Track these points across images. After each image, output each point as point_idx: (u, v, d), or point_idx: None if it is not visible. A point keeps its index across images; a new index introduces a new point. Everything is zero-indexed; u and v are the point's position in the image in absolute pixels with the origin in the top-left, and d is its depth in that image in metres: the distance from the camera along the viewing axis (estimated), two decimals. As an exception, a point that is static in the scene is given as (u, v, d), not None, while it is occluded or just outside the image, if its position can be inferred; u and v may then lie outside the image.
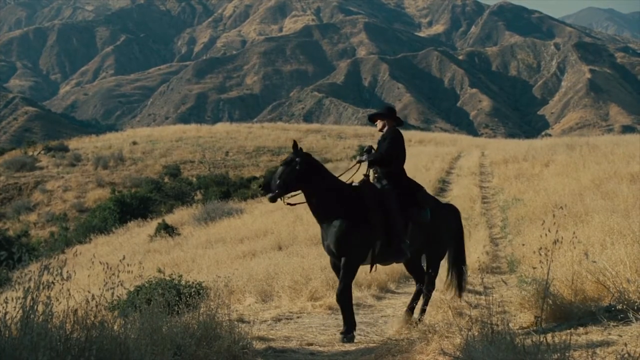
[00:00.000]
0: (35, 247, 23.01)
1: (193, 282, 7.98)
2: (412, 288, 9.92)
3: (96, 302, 2.88)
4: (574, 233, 3.61)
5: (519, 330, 4.19)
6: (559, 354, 2.07)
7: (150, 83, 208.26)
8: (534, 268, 4.87)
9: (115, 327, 2.83)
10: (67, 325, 2.72)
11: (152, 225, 22.50)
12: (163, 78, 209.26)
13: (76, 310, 2.80)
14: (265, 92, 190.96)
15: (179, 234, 20.71)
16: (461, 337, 3.47)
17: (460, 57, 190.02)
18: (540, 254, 3.22)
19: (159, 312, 3.97)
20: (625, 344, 2.27)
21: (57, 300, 2.74)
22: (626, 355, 1.87)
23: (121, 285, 3.58)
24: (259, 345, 5.15)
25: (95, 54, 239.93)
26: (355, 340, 5.68)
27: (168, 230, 20.73)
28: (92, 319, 2.77)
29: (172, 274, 8.21)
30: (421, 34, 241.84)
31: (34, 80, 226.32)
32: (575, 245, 5.51)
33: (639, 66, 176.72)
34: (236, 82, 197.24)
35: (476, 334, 3.24)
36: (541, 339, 2.31)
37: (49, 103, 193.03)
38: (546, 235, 3.94)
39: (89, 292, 3.05)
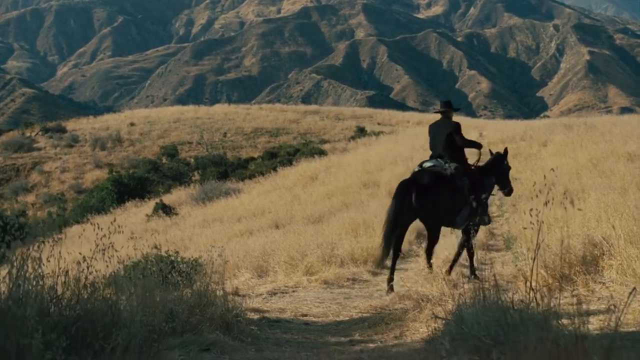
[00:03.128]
0: (33, 228, 23.03)
1: (189, 259, 8.01)
2: (407, 264, 9.97)
3: (87, 263, 2.89)
4: (564, 193, 3.62)
5: (511, 297, 4.22)
6: (545, 308, 2.09)
7: (148, 65, 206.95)
8: (524, 228, 4.89)
9: (107, 290, 2.84)
10: (57, 286, 2.73)
11: (150, 205, 22.51)
12: (161, 60, 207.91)
13: (67, 271, 2.81)
14: (263, 74, 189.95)
15: (176, 214, 20.74)
16: (453, 302, 3.49)
17: (459, 39, 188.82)
18: (531, 215, 3.23)
19: (152, 280, 3.99)
20: (612, 296, 2.29)
21: (48, 260, 2.74)
22: (612, 306, 1.89)
23: (112, 247, 3.58)
24: (253, 316, 5.18)
25: (92, 35, 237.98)
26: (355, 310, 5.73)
27: (165, 210, 20.75)
28: (84, 280, 2.77)
29: (168, 250, 8.23)
30: (420, 16, 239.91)
31: (32, 61, 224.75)
32: (565, 205, 5.55)
33: (638, 48, 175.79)
34: (234, 64, 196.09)
35: (468, 300, 3.26)
36: (529, 297, 2.33)
37: (46, 84, 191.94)
38: (537, 196, 3.95)
39: (80, 253, 3.06)
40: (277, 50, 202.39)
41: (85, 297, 2.68)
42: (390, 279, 6.60)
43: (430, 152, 7.10)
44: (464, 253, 7.08)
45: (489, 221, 7.10)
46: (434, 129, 7.01)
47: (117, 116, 50.44)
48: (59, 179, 34.68)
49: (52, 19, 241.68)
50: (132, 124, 44.19)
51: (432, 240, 6.56)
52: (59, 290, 2.72)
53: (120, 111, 64.30)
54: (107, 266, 3.16)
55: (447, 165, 6.65)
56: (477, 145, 7.21)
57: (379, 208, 14.64)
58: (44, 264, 2.74)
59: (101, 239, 3.10)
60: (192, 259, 8.13)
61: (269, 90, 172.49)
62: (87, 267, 2.82)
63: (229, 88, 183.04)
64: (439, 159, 6.80)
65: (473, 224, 6.58)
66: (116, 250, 3.34)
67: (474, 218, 6.62)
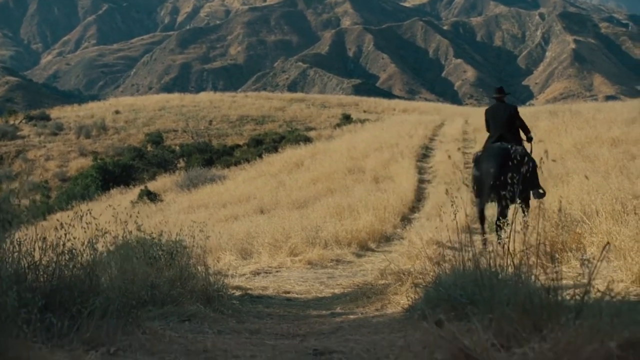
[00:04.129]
0: (17, 215, 22.79)
1: (174, 240, 7.98)
2: (391, 247, 10.04)
3: (65, 230, 2.86)
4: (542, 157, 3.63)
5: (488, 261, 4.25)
6: (517, 270, 2.11)
7: (133, 53, 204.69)
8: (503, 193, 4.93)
9: (85, 256, 2.82)
10: (35, 252, 2.70)
11: (135, 192, 22.37)
12: (146, 48, 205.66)
13: (45, 237, 2.78)
14: (249, 63, 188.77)
15: (161, 200, 20.65)
16: (434, 273, 3.51)
17: (445, 28, 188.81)
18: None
19: (133, 251, 3.96)
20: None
21: (26, 227, 2.71)
22: (586, 261, 1.91)
23: (89, 214, 3.55)
24: (235, 293, 5.18)
25: (77, 23, 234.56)
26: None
27: (150, 196, 20.65)
28: (62, 246, 2.75)
29: (152, 232, 8.19)
30: (406, 4, 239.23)
31: (15, 49, 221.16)
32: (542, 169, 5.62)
33: (623, 36, 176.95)
34: (220, 53, 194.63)
35: (448, 271, 3.28)
36: (506, 262, 2.35)
37: (30, 73, 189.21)
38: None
39: (57, 220, 3.02)
40: (263, 39, 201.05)
41: (63, 263, 2.65)
42: (484, 237, 6.88)
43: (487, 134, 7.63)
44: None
45: (544, 193, 7.44)
46: (492, 112, 7.51)
47: (102, 104, 49.91)
48: (44, 167, 34.32)
49: (35, 7, 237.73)
50: (117, 112, 43.79)
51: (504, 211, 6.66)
52: (36, 256, 2.70)
53: (105, 100, 63.61)
54: (85, 231, 3.12)
55: (511, 146, 7.03)
56: (528, 130, 7.77)
57: (364, 193, 14.68)
58: (21, 231, 2.71)
59: (82, 216, 3.08)
60: (176, 239, 8.11)
61: (255, 78, 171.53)
62: (65, 234, 2.79)
63: (215, 77, 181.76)
64: (502, 141, 7.20)
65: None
66: (94, 218, 3.32)
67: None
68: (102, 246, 4.19)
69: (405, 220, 12.77)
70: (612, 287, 1.79)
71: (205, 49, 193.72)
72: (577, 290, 1.88)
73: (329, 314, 4.16)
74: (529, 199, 7.06)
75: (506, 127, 7.30)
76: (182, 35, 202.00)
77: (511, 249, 6.44)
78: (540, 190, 7.24)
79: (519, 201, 6.94)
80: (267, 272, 7.27)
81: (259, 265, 7.86)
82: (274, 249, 8.63)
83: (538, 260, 2.12)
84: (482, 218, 7.40)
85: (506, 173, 6.34)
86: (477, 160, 7.21)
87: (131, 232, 4.44)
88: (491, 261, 2.28)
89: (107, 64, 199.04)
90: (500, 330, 1.80)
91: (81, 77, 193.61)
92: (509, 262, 2.27)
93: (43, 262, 2.62)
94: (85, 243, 2.89)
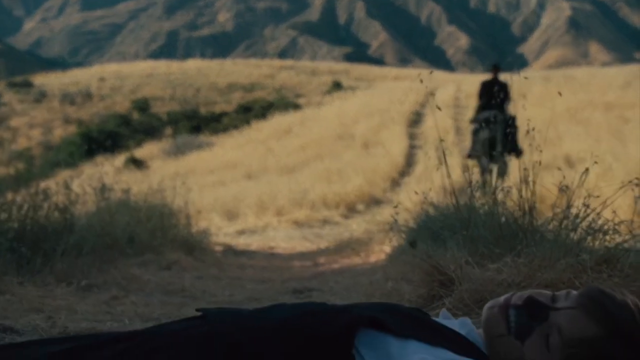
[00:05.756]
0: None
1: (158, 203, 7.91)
2: (380, 210, 10.04)
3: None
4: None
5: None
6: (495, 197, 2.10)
7: (119, 20, 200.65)
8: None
9: (61, 198, 2.75)
10: (8, 193, 2.63)
11: (121, 159, 22.15)
12: (131, 15, 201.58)
13: (18, 178, 2.70)
14: (238, 30, 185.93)
15: (148, 167, 20.48)
16: (417, 214, 3.46)
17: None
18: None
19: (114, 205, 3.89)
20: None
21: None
22: (564, 187, 1.89)
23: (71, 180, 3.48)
24: (218, 249, 5.14)
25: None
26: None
27: (137, 163, 20.48)
28: (36, 186, 2.68)
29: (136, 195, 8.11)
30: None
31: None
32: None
33: (620, 2, 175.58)
34: (208, 20, 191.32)
35: (431, 211, 3.24)
36: (490, 199, 2.32)
37: (12, 39, 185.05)
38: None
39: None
40: (252, 6, 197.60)
41: (38, 203, 2.59)
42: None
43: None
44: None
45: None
46: (488, 86, 8.41)
47: (87, 71, 49.11)
48: (27, 135, 33.84)
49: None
50: (102, 79, 43.09)
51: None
52: (9, 197, 2.63)
53: (91, 66, 62.53)
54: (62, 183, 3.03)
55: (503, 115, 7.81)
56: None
57: (354, 158, 14.63)
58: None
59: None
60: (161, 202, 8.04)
61: (244, 47, 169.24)
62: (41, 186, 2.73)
63: (203, 45, 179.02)
64: (491, 109, 7.89)
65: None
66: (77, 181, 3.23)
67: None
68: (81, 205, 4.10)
69: (395, 184, 12.75)
70: (588, 209, 1.77)
71: (192, 16, 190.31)
72: (555, 211, 1.86)
73: (312, 265, 4.14)
74: (509, 160, 7.72)
75: (497, 99, 7.95)
76: (169, 1, 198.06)
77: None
78: (519, 149, 7.76)
79: (504, 159, 7.52)
80: (252, 232, 7.24)
81: (245, 225, 7.83)
82: (260, 210, 8.58)
83: (519, 196, 2.09)
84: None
85: (494, 138, 7.08)
86: (476, 130, 8.18)
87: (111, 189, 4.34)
88: (472, 197, 2.25)
89: (92, 31, 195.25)
90: (475, 250, 1.79)
91: (65, 44, 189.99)
92: (489, 196, 2.25)
93: (17, 201, 2.56)
94: (60, 183, 2.82)
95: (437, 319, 0.96)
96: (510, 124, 7.47)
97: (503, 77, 8.88)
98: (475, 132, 8.40)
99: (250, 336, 0.87)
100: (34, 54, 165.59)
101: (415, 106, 24.56)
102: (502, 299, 0.94)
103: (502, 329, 0.91)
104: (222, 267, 3.87)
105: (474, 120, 8.86)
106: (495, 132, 7.13)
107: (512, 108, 8.63)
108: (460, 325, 0.96)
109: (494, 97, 7.81)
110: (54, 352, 0.86)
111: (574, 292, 0.92)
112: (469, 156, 8.73)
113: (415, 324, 0.90)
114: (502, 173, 8.06)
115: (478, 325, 0.96)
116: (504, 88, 8.25)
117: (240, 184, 13.55)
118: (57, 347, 0.87)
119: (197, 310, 0.96)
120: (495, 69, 8.59)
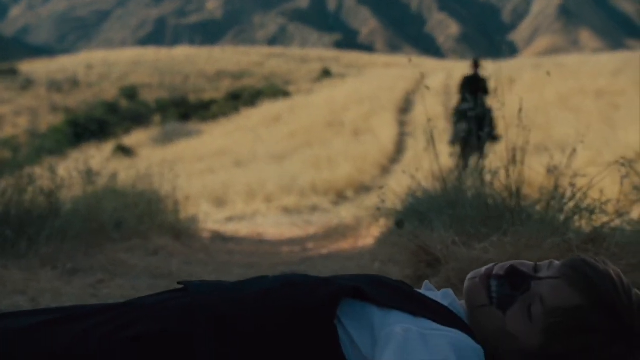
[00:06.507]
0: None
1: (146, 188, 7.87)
2: (369, 197, 10.05)
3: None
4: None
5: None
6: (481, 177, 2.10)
7: (106, 6, 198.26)
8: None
9: (45, 182, 2.72)
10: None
11: (108, 147, 21.99)
12: (119, 1, 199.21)
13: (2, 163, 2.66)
14: (227, 18, 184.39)
15: (136, 155, 20.34)
16: (406, 197, 3.46)
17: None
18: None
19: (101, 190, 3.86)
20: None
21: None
22: (552, 167, 1.89)
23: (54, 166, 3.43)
24: (206, 235, 5.12)
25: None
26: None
27: (125, 151, 20.34)
28: (20, 170, 2.64)
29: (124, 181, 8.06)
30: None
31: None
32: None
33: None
34: (196, 7, 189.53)
35: (419, 194, 3.24)
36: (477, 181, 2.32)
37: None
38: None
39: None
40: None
41: (23, 187, 2.56)
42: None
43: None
44: None
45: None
46: (468, 80, 8.98)
47: (74, 58, 48.51)
48: (13, 122, 33.45)
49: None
50: (89, 66, 42.61)
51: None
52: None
53: (78, 53, 61.78)
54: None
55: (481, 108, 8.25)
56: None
57: (343, 145, 14.61)
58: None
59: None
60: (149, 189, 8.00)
61: (233, 34, 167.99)
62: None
63: (192, 32, 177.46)
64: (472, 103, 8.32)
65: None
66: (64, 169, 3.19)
67: None
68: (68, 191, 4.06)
69: (385, 171, 12.77)
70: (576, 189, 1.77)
71: (180, 3, 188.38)
72: (543, 192, 1.87)
73: (300, 250, 4.14)
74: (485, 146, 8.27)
75: (475, 93, 8.42)
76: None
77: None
78: (496, 136, 8.05)
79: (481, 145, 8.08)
80: (241, 218, 7.22)
81: (233, 212, 7.81)
82: (249, 197, 8.56)
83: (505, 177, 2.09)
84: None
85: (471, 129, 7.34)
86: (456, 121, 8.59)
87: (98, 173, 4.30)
88: (459, 179, 2.25)
89: (80, 18, 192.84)
90: (462, 230, 1.80)
91: (52, 31, 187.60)
92: (476, 178, 2.25)
93: (1, 185, 2.52)
94: (45, 167, 2.78)
95: (420, 291, 0.96)
96: (486, 115, 8.00)
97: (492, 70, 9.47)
98: (455, 123, 8.85)
99: (231, 307, 0.86)
100: (21, 41, 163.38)
101: (405, 93, 24.56)
102: (483, 269, 0.94)
103: (483, 299, 0.91)
104: (210, 253, 3.86)
105: (454, 112, 9.42)
106: (470, 123, 7.50)
107: (490, 101, 9.33)
108: (442, 296, 0.96)
109: (472, 91, 8.11)
110: (32, 323, 0.85)
111: (557, 262, 0.92)
112: (451, 142, 9.25)
113: (398, 296, 0.90)
114: (476, 154, 8.43)
115: (461, 297, 0.96)
116: (482, 82, 8.89)
117: (229, 172, 13.51)
118: (34, 319, 0.86)
119: (179, 283, 0.96)
120: (476, 64, 9.20)
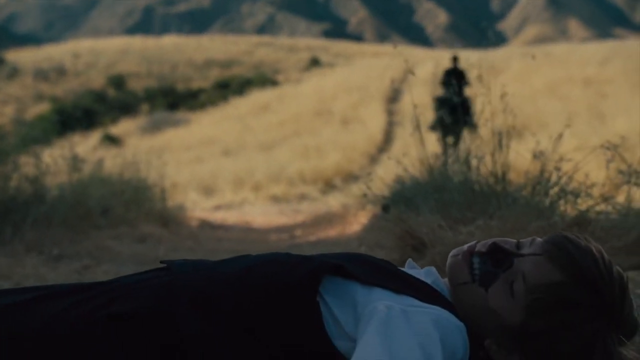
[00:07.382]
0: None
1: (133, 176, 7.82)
2: (357, 185, 10.07)
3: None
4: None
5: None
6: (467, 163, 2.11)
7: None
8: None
9: (30, 168, 2.69)
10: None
11: (96, 136, 21.84)
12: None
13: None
14: (215, 6, 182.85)
15: (124, 144, 20.22)
16: (391, 185, 3.47)
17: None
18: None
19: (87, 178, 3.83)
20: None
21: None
22: (538, 152, 1.89)
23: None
24: (194, 224, 5.10)
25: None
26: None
27: (112, 140, 20.20)
28: (4, 157, 2.61)
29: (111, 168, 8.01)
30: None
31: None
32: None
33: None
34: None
35: (407, 180, 3.24)
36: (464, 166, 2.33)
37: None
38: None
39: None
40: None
41: (7, 173, 2.53)
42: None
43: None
44: None
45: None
46: (449, 73, 9.81)
47: (61, 47, 47.94)
48: None
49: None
50: (76, 55, 42.14)
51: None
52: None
53: (65, 42, 61.06)
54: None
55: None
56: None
57: (332, 135, 14.60)
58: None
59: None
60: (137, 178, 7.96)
61: (222, 23, 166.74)
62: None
63: (180, 21, 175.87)
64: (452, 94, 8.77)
65: None
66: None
67: None
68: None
69: (373, 160, 12.79)
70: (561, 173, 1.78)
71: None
72: (528, 178, 1.88)
73: (288, 238, 4.14)
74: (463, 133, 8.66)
75: (455, 85, 8.89)
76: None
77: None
78: (473, 124, 8.49)
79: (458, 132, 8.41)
80: (229, 207, 7.22)
81: (221, 201, 7.80)
82: (237, 186, 8.56)
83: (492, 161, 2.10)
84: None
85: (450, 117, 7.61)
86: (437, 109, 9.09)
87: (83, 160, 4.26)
88: (445, 164, 2.26)
89: (66, 6, 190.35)
90: (448, 215, 1.80)
91: (39, 19, 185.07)
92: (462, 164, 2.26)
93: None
94: (30, 153, 2.75)
95: (403, 269, 0.96)
96: (463, 104, 8.31)
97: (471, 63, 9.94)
98: (436, 111, 9.42)
99: (213, 285, 0.86)
100: (7, 30, 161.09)
101: (393, 83, 24.55)
102: (465, 246, 0.94)
103: (465, 276, 0.91)
104: (198, 240, 3.85)
105: (435, 100, 10.11)
106: (450, 112, 7.76)
107: (470, 90, 9.82)
108: (425, 274, 0.96)
109: (452, 83, 8.44)
110: (11, 302, 0.84)
111: (539, 239, 0.92)
112: (431, 128, 9.89)
113: (381, 273, 0.90)
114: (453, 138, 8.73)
115: (445, 277, 0.96)
116: (461, 75, 9.78)
117: (217, 161, 13.48)
118: (14, 298, 0.86)
119: (162, 262, 0.95)
120: (455, 59, 10.27)
